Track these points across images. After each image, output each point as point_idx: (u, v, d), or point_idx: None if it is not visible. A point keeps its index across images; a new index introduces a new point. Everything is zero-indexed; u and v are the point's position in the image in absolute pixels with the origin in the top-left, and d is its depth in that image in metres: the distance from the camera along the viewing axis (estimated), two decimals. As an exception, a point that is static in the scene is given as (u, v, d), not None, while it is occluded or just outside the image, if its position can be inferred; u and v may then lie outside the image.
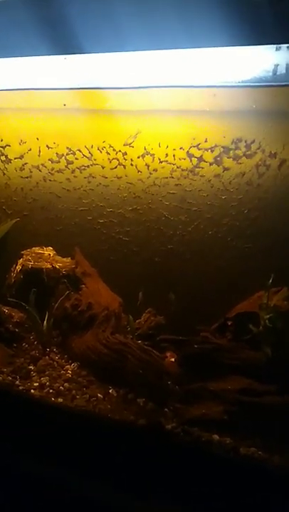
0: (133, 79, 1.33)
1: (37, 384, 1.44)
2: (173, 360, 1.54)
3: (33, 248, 1.92)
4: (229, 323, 1.53)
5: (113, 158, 1.82)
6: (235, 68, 1.20)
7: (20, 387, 1.41)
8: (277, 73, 1.13)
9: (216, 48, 1.04)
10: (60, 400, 1.37)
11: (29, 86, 1.43)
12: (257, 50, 1.05)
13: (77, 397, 1.38)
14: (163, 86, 1.35)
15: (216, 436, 1.20)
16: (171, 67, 1.25)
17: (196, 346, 1.41)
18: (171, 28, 1.06)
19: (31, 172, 1.98)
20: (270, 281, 1.41)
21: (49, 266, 1.80)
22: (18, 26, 1.13)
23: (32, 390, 1.41)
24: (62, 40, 1.10)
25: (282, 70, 1.11)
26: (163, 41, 1.05)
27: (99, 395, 1.39)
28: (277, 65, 1.16)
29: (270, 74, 1.13)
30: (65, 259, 1.88)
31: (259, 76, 1.17)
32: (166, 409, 1.31)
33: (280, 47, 0.97)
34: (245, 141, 1.61)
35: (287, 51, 1.03)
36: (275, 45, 0.97)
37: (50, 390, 1.41)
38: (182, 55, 1.16)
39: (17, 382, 1.45)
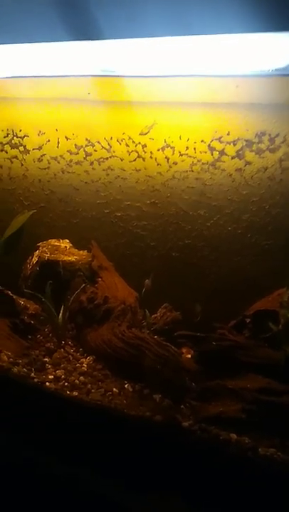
0: (155, 67, 1.29)
1: (52, 377, 1.43)
2: (189, 356, 1.52)
3: (50, 240, 1.91)
4: (247, 321, 1.50)
5: (132, 151, 1.80)
6: (262, 57, 1.16)
7: (36, 380, 1.40)
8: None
9: (241, 35, 1.00)
10: (75, 393, 1.35)
11: (48, 73, 1.41)
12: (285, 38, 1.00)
13: (93, 391, 1.37)
14: (186, 75, 1.32)
15: (233, 436, 1.17)
16: (194, 55, 1.21)
17: (214, 343, 1.39)
18: (196, 14, 1.02)
19: (49, 163, 1.97)
20: (292, 278, 1.38)
21: (65, 258, 1.79)
22: (39, 10, 1.10)
23: (47, 383, 1.39)
24: (85, 25, 1.07)
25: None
26: (186, 27, 1.02)
27: (114, 389, 1.37)
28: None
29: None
30: (81, 252, 1.87)
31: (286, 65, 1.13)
32: (182, 406, 1.29)
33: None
34: (269, 135, 1.57)
35: None
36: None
37: (66, 383, 1.40)
38: (206, 42, 1.12)
39: (32, 374, 1.44)
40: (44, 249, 1.85)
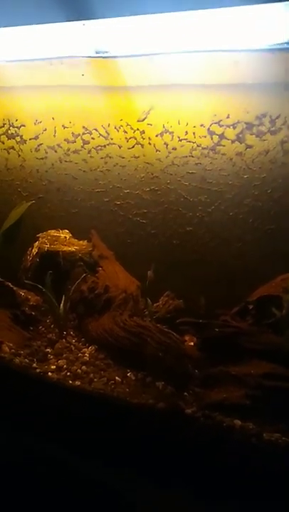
0: (150, 45, 1.26)
1: (54, 367, 1.42)
2: (192, 343, 1.50)
3: (49, 231, 1.90)
4: (250, 307, 1.48)
5: (130, 137, 1.77)
6: (261, 31, 1.12)
7: (38, 370, 1.40)
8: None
9: (239, 8, 0.96)
10: (77, 382, 1.35)
11: (41, 56, 1.38)
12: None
13: (95, 380, 1.36)
14: (182, 52, 1.28)
15: (238, 422, 1.15)
16: (189, 32, 1.18)
17: (216, 330, 1.37)
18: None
19: (47, 153, 1.94)
20: (295, 263, 1.35)
21: (65, 249, 1.77)
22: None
23: (49, 373, 1.39)
24: (76, 5, 1.04)
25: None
26: (182, 2, 0.99)
27: (117, 378, 1.36)
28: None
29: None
30: (81, 242, 1.86)
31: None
32: (185, 393, 1.28)
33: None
34: (270, 117, 1.53)
35: None
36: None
37: (68, 373, 1.39)
38: (202, 18, 1.08)
39: (34, 364, 1.43)
40: (44, 240, 1.83)
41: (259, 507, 1.10)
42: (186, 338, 1.56)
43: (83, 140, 1.86)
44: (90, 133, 1.84)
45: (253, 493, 1.10)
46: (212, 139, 1.64)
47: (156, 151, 1.74)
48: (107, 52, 1.28)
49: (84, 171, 1.90)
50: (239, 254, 1.71)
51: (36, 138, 1.95)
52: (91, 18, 1.13)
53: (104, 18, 1.12)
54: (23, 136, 1.97)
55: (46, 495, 1.34)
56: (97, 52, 1.29)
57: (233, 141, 1.61)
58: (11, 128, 1.99)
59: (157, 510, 1.21)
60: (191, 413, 1.19)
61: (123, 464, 1.25)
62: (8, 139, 2.01)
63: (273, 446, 1.09)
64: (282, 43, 1.15)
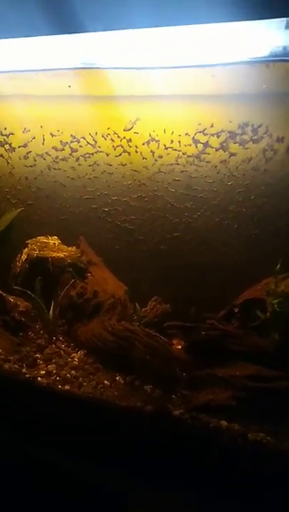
0: (136, 59, 1.30)
1: (44, 372, 1.44)
2: (180, 347, 1.53)
3: (38, 237, 1.91)
4: (236, 310, 1.52)
5: (118, 146, 1.80)
6: (242, 46, 1.17)
7: (27, 375, 1.41)
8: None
9: (220, 24, 1.01)
10: (67, 387, 1.36)
11: (31, 68, 1.41)
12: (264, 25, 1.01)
13: (84, 384, 1.38)
14: (166, 67, 1.33)
15: (224, 423, 1.18)
16: (173, 46, 1.22)
17: (203, 333, 1.40)
18: (174, 5, 1.04)
19: (35, 161, 1.97)
20: (278, 266, 1.39)
21: (54, 255, 1.79)
22: (18, 6, 1.10)
23: (39, 378, 1.40)
24: (64, 18, 1.08)
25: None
26: (165, 18, 1.03)
27: (106, 382, 1.38)
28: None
29: (280, 50, 1.10)
30: (70, 248, 1.88)
31: (268, 54, 1.14)
32: (173, 396, 1.31)
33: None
34: (252, 126, 1.59)
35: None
36: (285, 19, 0.94)
37: (57, 378, 1.41)
38: (185, 33, 1.13)
39: (24, 370, 1.44)
40: (33, 246, 1.85)
41: (246, 505, 1.13)
42: (174, 341, 1.59)
43: (71, 148, 1.89)
44: (78, 141, 1.87)
45: (240, 490, 1.13)
46: (197, 147, 1.68)
47: (143, 158, 1.78)
48: (93, 64, 1.32)
49: (72, 178, 1.93)
50: (225, 259, 1.75)
51: (25, 146, 1.97)
52: (78, 32, 1.17)
53: (91, 31, 1.15)
54: (12, 144, 1.99)
55: (38, 497, 1.35)
56: (83, 64, 1.32)
57: (217, 149, 1.66)
58: (0, 136, 2.01)
59: (148, 510, 1.23)
60: (178, 415, 1.22)
61: (113, 465, 1.27)
62: (-3, 147, 2.03)
63: (258, 446, 1.13)
64: (262, 57, 1.19)
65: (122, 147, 1.80)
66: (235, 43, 1.16)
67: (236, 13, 0.95)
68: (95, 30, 1.12)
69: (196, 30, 1.13)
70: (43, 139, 1.93)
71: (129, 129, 1.74)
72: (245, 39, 1.14)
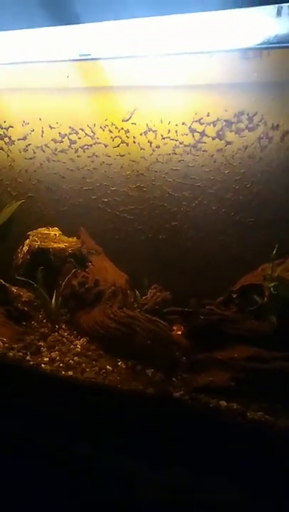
0: (131, 49, 1.32)
1: (47, 359, 1.47)
2: (180, 333, 1.57)
3: (39, 229, 1.93)
4: (234, 296, 1.55)
5: (116, 136, 1.82)
6: (237, 34, 1.19)
7: (31, 362, 1.44)
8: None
9: (216, 12, 1.03)
10: (70, 373, 1.39)
11: (28, 60, 1.43)
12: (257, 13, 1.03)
13: (87, 370, 1.41)
14: (161, 55, 1.34)
15: (223, 403, 1.22)
16: (169, 35, 1.24)
17: (202, 318, 1.43)
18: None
19: (35, 153, 1.99)
20: (274, 252, 1.42)
21: (55, 246, 1.82)
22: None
23: (42, 365, 1.43)
24: (60, 10, 1.10)
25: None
26: (159, 7, 1.05)
27: (108, 367, 1.41)
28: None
29: (273, 37, 1.12)
30: (70, 238, 1.90)
31: (261, 41, 1.16)
32: (174, 379, 1.34)
33: (281, 7, 0.95)
34: (248, 114, 1.61)
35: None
36: (276, 6, 0.95)
37: (61, 364, 1.44)
38: (180, 21, 1.15)
39: (28, 357, 1.48)
40: (34, 237, 1.87)
41: (247, 482, 1.17)
42: (175, 327, 1.62)
43: (70, 140, 1.91)
44: (77, 133, 1.89)
45: (240, 467, 1.17)
46: (194, 136, 1.70)
47: (141, 149, 1.80)
48: (90, 54, 1.33)
49: (71, 170, 1.95)
50: (223, 247, 1.78)
51: (24, 138, 1.99)
52: (75, 23, 1.19)
53: (88, 22, 1.18)
54: (12, 137, 2.02)
55: (43, 482, 1.39)
56: (80, 55, 1.34)
57: (213, 138, 1.68)
58: (-1, 129, 2.03)
59: (153, 489, 1.27)
60: (179, 396, 1.26)
61: (118, 447, 1.30)
62: (-3, 140, 2.05)
63: (256, 424, 1.16)
64: (256, 45, 1.21)
65: (120, 138, 1.82)
66: (229, 31, 1.18)
67: (228, 1, 0.96)
68: (91, 21, 1.14)
69: (190, 18, 1.15)
70: (42, 132, 1.95)
71: (128, 120, 1.76)
72: (239, 27, 1.15)
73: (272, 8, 0.98)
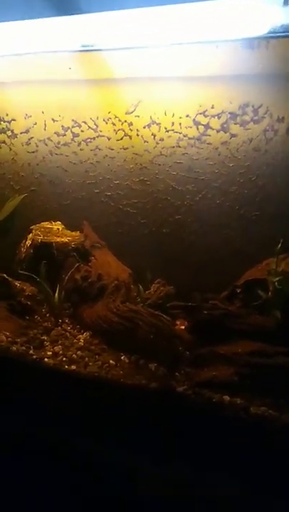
0: (135, 39, 1.30)
1: (50, 353, 1.47)
2: (183, 327, 1.56)
3: (42, 223, 1.93)
4: (238, 291, 1.54)
5: (119, 129, 1.81)
6: (242, 24, 1.16)
7: (34, 356, 1.44)
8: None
9: (219, 1, 1.01)
10: (73, 367, 1.39)
11: (30, 51, 1.41)
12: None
13: (90, 364, 1.40)
14: (165, 46, 1.32)
15: (226, 397, 1.21)
16: (171, 25, 1.21)
17: (205, 312, 1.42)
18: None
19: (37, 146, 1.98)
20: (279, 246, 1.41)
21: (58, 240, 1.82)
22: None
23: (46, 359, 1.43)
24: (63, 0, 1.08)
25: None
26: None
27: (111, 361, 1.41)
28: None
29: (279, 27, 1.09)
30: (73, 232, 1.90)
31: (267, 31, 1.13)
32: (177, 374, 1.33)
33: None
34: (253, 106, 1.58)
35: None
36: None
37: (64, 358, 1.44)
38: (184, 11, 1.13)
39: (31, 351, 1.47)
40: (37, 232, 1.87)
41: (250, 477, 1.17)
42: (178, 322, 1.61)
43: (73, 133, 1.90)
44: (80, 126, 1.88)
45: (243, 461, 1.17)
46: (198, 129, 1.68)
47: (144, 142, 1.78)
48: (92, 46, 1.31)
49: (74, 164, 1.94)
50: (227, 241, 1.76)
51: (27, 132, 1.98)
52: (77, 13, 1.17)
53: (90, 12, 1.16)
54: (14, 131, 2.00)
55: (46, 475, 1.40)
56: (83, 46, 1.32)
57: (218, 131, 1.66)
58: (1, 122, 2.02)
59: (155, 484, 1.27)
60: (182, 391, 1.25)
61: (119, 441, 1.30)
62: (0, 133, 2.04)
63: (260, 419, 1.16)
64: (262, 34, 1.18)
65: (124, 131, 1.80)
66: (235, 20, 1.16)
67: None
68: (94, 11, 1.12)
69: (195, 8, 1.13)
70: (45, 125, 1.94)
71: (131, 112, 1.74)
72: (245, 16, 1.13)
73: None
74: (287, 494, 1.14)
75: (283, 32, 1.12)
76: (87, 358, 1.43)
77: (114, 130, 1.81)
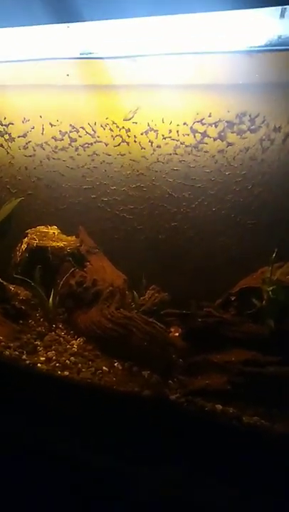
0: (134, 48, 1.31)
1: (43, 358, 1.46)
2: (177, 334, 1.56)
3: (38, 227, 1.93)
4: (233, 299, 1.54)
5: (116, 135, 1.81)
6: (240, 35, 1.18)
7: (27, 361, 1.44)
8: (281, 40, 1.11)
9: (219, 13, 1.02)
10: (66, 373, 1.39)
11: (28, 58, 1.42)
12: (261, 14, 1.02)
13: (83, 370, 1.40)
14: (164, 55, 1.33)
15: (219, 406, 1.21)
16: (170, 35, 1.23)
17: (199, 320, 1.42)
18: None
19: (35, 150, 1.98)
20: (274, 255, 1.41)
21: (54, 244, 1.81)
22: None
23: (39, 364, 1.43)
24: (63, 7, 1.09)
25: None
26: (162, 7, 1.04)
27: (104, 368, 1.40)
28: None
29: (276, 39, 1.11)
30: (69, 237, 1.89)
31: (264, 43, 1.15)
32: (170, 381, 1.33)
33: (285, 8, 0.94)
34: (250, 115, 1.60)
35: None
36: (280, 7, 0.94)
37: (57, 364, 1.43)
38: (183, 21, 1.14)
39: (24, 356, 1.47)
40: (33, 235, 1.87)
41: (240, 484, 1.17)
42: (172, 329, 1.61)
43: (70, 138, 1.90)
44: (77, 131, 1.88)
45: (234, 472, 1.16)
46: (195, 137, 1.69)
47: (142, 148, 1.79)
48: (91, 53, 1.32)
49: (71, 168, 1.94)
50: (222, 248, 1.77)
51: (24, 136, 1.98)
52: (77, 21, 1.18)
53: (89, 21, 1.16)
54: (12, 134, 2.01)
55: (38, 481, 1.38)
56: (81, 54, 1.33)
57: (215, 139, 1.67)
58: (-1, 126, 2.02)
59: (147, 490, 1.26)
60: (174, 399, 1.25)
61: (112, 449, 1.30)
62: (-3, 137, 2.04)
63: (252, 428, 1.16)
64: (259, 46, 1.20)
65: (121, 137, 1.81)
66: (233, 31, 1.17)
67: (233, 2, 0.95)
68: (93, 19, 1.13)
69: (194, 18, 1.14)
70: (43, 129, 1.94)
71: (130, 119, 1.75)
72: (242, 28, 1.14)
73: (275, 10, 0.97)
74: (279, 503, 1.14)
75: (280, 44, 1.13)
76: (80, 364, 1.43)
77: (112, 136, 1.82)
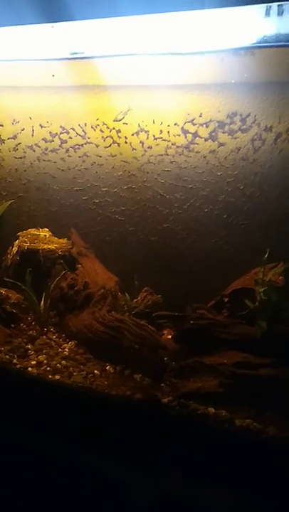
0: (123, 48, 1.29)
1: (34, 362, 1.44)
2: (170, 336, 1.55)
3: (29, 230, 1.91)
4: (225, 300, 1.53)
5: (107, 136, 1.80)
6: (230, 33, 1.17)
7: (18, 366, 1.42)
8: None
9: (208, 10, 1.01)
10: (57, 377, 1.37)
11: (14, 58, 1.40)
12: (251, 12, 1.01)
13: (75, 374, 1.38)
14: (153, 55, 1.32)
15: (211, 409, 1.20)
16: (160, 34, 1.22)
17: (191, 322, 1.41)
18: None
19: (25, 152, 1.96)
20: (266, 256, 1.40)
21: (45, 247, 1.80)
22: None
23: (29, 368, 1.41)
24: (51, 7, 1.07)
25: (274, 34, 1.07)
26: (151, 5, 1.03)
27: (96, 371, 1.39)
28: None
29: (263, 37, 1.10)
30: (61, 240, 1.88)
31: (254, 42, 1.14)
32: (162, 384, 1.32)
33: (270, 6, 0.93)
34: (241, 115, 1.59)
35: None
36: (264, 5, 0.93)
37: (48, 368, 1.41)
38: (173, 20, 1.13)
39: (14, 360, 1.45)
40: (24, 238, 1.85)
41: (232, 488, 1.15)
42: (165, 331, 1.60)
43: (61, 139, 1.89)
44: (68, 132, 1.87)
45: (227, 476, 1.15)
46: (186, 137, 1.68)
47: (133, 149, 1.78)
48: (82, 53, 1.31)
49: (62, 170, 1.92)
50: (215, 250, 1.76)
51: (14, 137, 1.96)
52: (67, 20, 1.16)
53: (79, 20, 1.15)
54: (1, 136, 1.99)
55: (31, 485, 1.37)
56: (71, 54, 1.31)
57: (206, 140, 1.66)
58: (-12, 128, 2.00)
59: (139, 495, 1.25)
60: (167, 402, 1.23)
61: (104, 453, 1.28)
62: (-14, 139, 2.02)
63: (244, 431, 1.14)
64: (246, 44, 1.19)
65: (112, 138, 1.80)
66: (219, 30, 1.16)
67: (218, 0, 0.94)
68: (82, 19, 1.12)
69: (180, 17, 1.13)
70: (33, 131, 1.92)
71: (121, 120, 1.74)
72: (229, 26, 1.13)
73: (261, 8, 0.96)
74: (271, 506, 1.13)
75: (266, 42, 1.12)
76: (71, 368, 1.41)
77: (103, 137, 1.81)
